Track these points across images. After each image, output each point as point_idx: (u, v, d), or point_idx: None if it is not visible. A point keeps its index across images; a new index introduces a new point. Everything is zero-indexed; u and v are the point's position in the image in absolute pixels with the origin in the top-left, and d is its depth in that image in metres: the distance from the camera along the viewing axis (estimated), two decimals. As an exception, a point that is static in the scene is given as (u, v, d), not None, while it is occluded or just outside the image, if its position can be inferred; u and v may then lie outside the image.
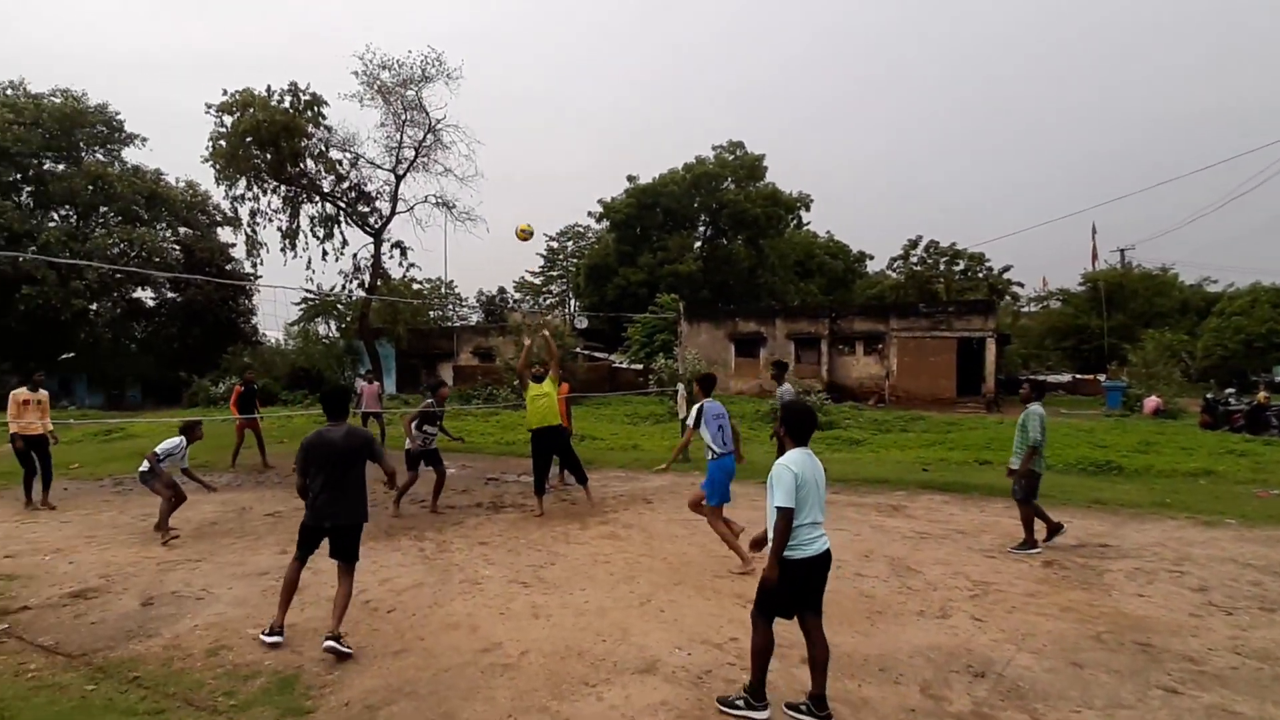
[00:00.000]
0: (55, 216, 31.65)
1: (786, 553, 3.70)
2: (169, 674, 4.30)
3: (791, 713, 3.73)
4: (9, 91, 31.49)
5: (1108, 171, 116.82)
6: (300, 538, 4.94)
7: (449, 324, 38.51)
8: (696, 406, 6.60)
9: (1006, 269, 46.87)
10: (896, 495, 9.66)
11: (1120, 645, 4.66)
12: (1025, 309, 49.15)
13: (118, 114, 33.50)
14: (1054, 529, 7.09)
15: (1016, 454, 7.09)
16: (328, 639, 4.49)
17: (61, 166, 31.80)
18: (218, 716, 3.79)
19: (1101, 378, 28.90)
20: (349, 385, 24.83)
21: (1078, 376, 34.30)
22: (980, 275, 46.43)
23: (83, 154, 32.56)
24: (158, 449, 7.72)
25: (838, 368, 27.60)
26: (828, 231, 50.99)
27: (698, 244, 41.32)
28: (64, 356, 30.70)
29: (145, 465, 7.64)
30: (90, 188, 30.90)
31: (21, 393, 9.04)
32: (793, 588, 3.74)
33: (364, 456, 4.90)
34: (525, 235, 10.35)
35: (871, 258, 52.31)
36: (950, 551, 6.93)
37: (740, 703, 3.75)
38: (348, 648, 4.51)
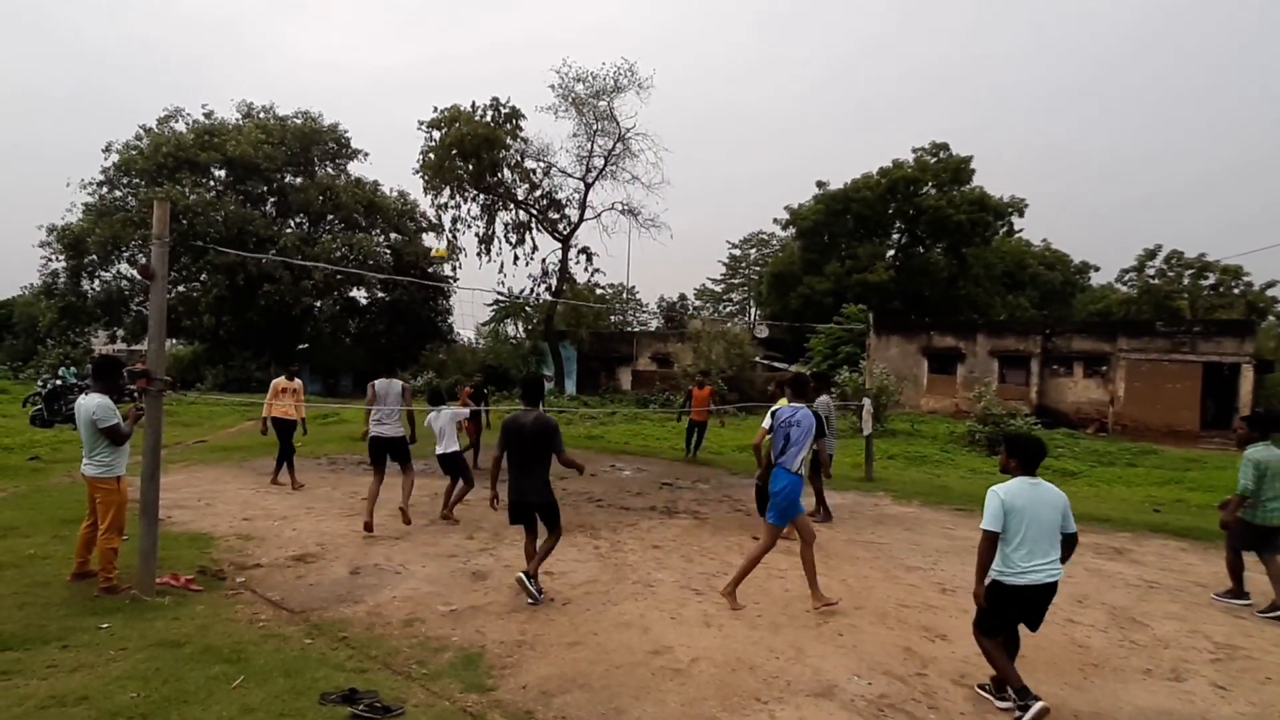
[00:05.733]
0: (292, 224, 35.60)
1: (996, 576, 3.81)
2: (371, 638, 4.70)
3: (982, 692, 4.08)
4: (261, 115, 35.98)
5: None
6: (510, 514, 5.69)
7: (629, 329, 39.58)
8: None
9: (1271, 284, 39.68)
10: (1119, 537, 8.52)
11: None
12: (1295, 331, 41.19)
13: (346, 132, 37.40)
14: (1237, 593, 6.15)
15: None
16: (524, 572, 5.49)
17: (299, 180, 35.83)
18: (411, 683, 4.06)
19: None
20: (545, 376, 26.34)
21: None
22: (1236, 291, 39.71)
23: (316, 168, 36.58)
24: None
25: (1050, 390, 24.89)
26: (1044, 239, 46.33)
27: (890, 252, 39.19)
28: (300, 347, 34.80)
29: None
30: (321, 198, 34.63)
31: (280, 381, 10.27)
32: (1004, 612, 3.87)
33: (547, 442, 5.46)
34: (440, 256, 10.27)
35: (1097, 269, 46.82)
36: (1187, 606, 6.01)
37: (1017, 712, 3.75)
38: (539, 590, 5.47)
